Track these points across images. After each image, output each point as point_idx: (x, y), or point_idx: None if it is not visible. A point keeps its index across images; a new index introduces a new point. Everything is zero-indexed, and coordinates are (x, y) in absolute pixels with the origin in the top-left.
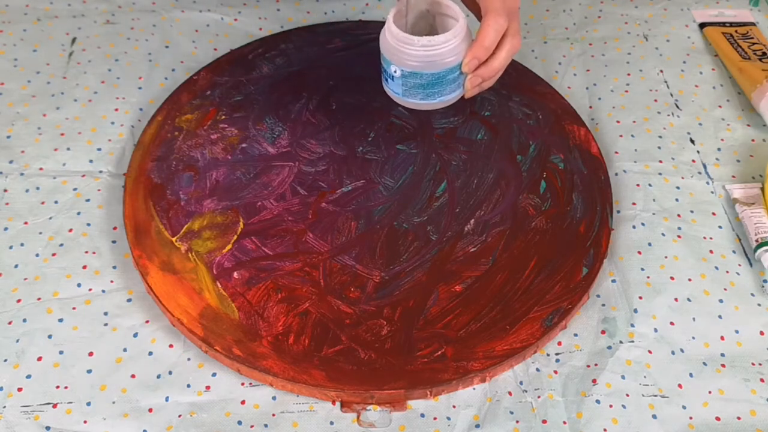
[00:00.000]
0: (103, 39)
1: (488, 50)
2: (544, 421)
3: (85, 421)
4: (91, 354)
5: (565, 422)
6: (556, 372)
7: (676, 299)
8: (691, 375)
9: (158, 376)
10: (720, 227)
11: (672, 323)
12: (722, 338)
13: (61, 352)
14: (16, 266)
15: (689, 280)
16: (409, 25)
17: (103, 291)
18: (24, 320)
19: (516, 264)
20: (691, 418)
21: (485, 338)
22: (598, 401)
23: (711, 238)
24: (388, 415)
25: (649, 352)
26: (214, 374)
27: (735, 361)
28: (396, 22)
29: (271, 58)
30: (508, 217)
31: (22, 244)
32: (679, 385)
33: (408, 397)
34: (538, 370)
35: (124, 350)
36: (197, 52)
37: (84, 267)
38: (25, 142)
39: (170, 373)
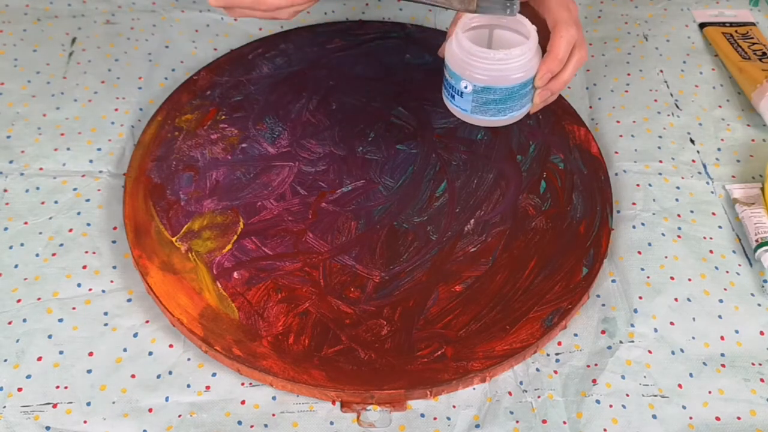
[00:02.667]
0: (103, 39)
1: (561, 62)
2: (544, 421)
3: (85, 421)
4: (91, 354)
5: (565, 422)
6: (556, 372)
7: (676, 299)
8: (691, 375)
9: (158, 376)
10: (720, 227)
11: (672, 323)
12: (722, 338)
13: (61, 352)
14: (16, 266)
15: (689, 280)
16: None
17: (103, 291)
18: (24, 320)
19: (516, 264)
20: (691, 418)
21: (485, 338)
22: (598, 401)
23: (711, 238)
24: (388, 415)
25: (649, 352)
26: (214, 374)
27: (735, 361)
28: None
29: (271, 58)
30: (508, 217)
31: (22, 244)
32: (679, 385)
33: (408, 397)
34: (538, 370)
35: (124, 350)
36: (197, 52)
37: (84, 267)
38: (25, 142)
39: (170, 373)
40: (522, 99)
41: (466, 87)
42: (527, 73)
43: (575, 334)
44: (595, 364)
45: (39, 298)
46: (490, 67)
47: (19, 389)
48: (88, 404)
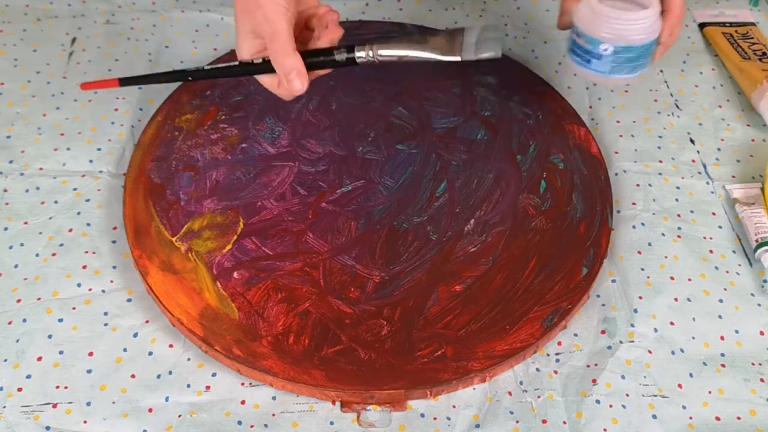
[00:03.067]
0: (103, 39)
1: (680, 20)
2: (544, 421)
3: (85, 421)
4: (91, 354)
5: (564, 422)
6: (556, 372)
7: (676, 299)
8: (691, 375)
9: (158, 376)
10: (720, 227)
11: (672, 323)
12: (722, 338)
13: (61, 352)
14: (16, 266)
15: (689, 280)
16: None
17: (103, 291)
18: (24, 320)
19: (516, 264)
20: (691, 418)
21: (485, 338)
22: (598, 401)
23: (711, 238)
24: (388, 415)
25: (649, 352)
26: (214, 374)
27: (735, 361)
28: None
29: None
30: (508, 217)
31: (22, 244)
32: (679, 385)
33: (408, 397)
34: (538, 370)
35: (124, 350)
36: (197, 52)
37: (84, 267)
38: (25, 142)
39: (170, 373)
40: (649, 56)
41: (606, 49)
42: (656, 31)
43: (575, 334)
44: (595, 364)
45: (39, 298)
46: (630, 27)
47: (19, 389)
48: (88, 404)
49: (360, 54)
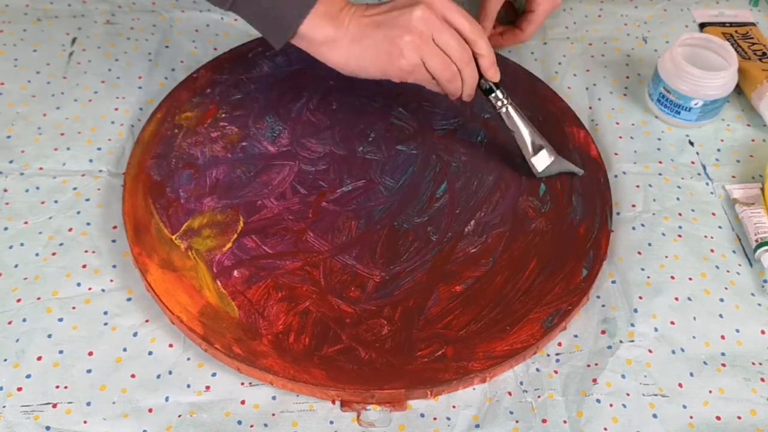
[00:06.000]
0: (103, 39)
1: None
2: (544, 421)
3: (85, 421)
4: (90, 354)
5: (565, 421)
6: (556, 372)
7: (676, 298)
8: (691, 374)
9: (158, 376)
10: (720, 227)
11: (672, 322)
12: (723, 337)
13: (60, 352)
14: (16, 266)
15: (690, 279)
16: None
17: (103, 290)
18: (24, 320)
19: (516, 265)
20: (691, 417)
21: (485, 338)
22: (598, 400)
23: (712, 237)
24: (388, 415)
25: (650, 351)
26: (214, 374)
27: (735, 360)
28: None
29: (272, 57)
30: (508, 218)
31: (22, 244)
32: (680, 385)
33: (408, 397)
34: (538, 370)
35: (124, 350)
36: (197, 51)
37: (84, 266)
38: (25, 142)
39: (170, 373)
40: (727, 101)
41: (696, 104)
42: (734, 81)
43: (575, 335)
44: (596, 364)
45: (39, 298)
46: (716, 84)
47: (19, 389)
48: (88, 404)
49: (499, 96)
